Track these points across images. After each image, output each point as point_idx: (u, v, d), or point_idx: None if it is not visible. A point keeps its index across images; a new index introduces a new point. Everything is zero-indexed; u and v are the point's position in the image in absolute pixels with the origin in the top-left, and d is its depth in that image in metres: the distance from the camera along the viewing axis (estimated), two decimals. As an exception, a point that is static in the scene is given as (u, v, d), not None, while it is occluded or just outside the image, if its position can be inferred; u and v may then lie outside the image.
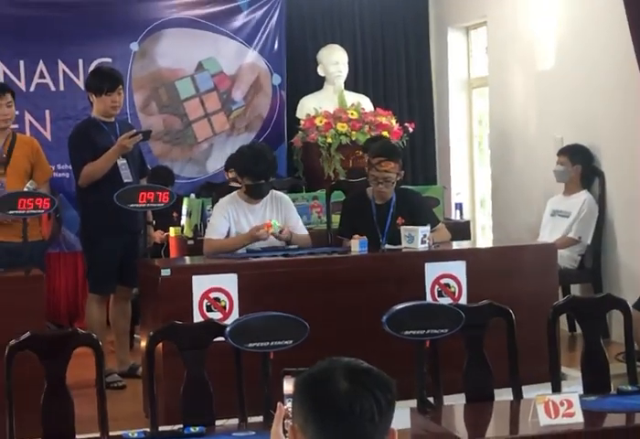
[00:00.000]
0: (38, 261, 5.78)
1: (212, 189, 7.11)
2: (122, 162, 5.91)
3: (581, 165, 6.73)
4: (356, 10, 8.67)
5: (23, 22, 7.63)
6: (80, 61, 7.83)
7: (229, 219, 5.49)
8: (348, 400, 1.86)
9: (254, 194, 5.48)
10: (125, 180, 5.89)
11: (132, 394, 5.58)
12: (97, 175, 5.84)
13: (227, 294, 4.95)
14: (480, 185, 8.71)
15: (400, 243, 5.44)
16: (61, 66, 7.80)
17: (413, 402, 3.98)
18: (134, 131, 5.95)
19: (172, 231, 6.28)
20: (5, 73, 7.63)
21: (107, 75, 6.06)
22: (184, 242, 6.28)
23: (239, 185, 5.88)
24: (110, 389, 5.58)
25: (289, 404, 2.10)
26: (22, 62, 7.70)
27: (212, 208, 6.18)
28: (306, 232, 5.66)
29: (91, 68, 7.68)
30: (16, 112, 6.49)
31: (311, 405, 1.89)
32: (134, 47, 7.97)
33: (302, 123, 7.94)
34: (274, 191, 5.65)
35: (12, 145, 5.95)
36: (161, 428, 3.89)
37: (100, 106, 5.98)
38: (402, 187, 5.90)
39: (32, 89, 7.73)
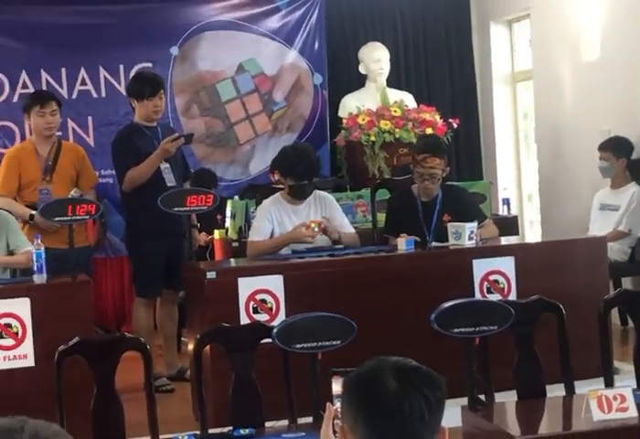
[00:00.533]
0: (85, 266, 5.81)
1: (255, 191, 7.09)
2: (165, 166, 5.92)
3: (626, 158, 6.63)
4: (396, 6, 8.62)
5: (64, 30, 7.70)
6: (121, 67, 7.86)
7: (272, 220, 5.46)
8: (397, 399, 1.83)
9: (297, 194, 5.45)
10: (169, 184, 5.89)
11: (180, 397, 5.58)
12: (140, 179, 5.85)
13: (273, 295, 4.93)
14: (527, 179, 8.62)
15: (446, 240, 5.39)
16: (102, 72, 7.84)
17: (464, 400, 3.95)
18: (176, 134, 5.96)
19: (216, 234, 6.27)
20: (47, 81, 7.69)
21: (148, 80, 6.08)
22: (228, 245, 6.26)
23: (283, 186, 5.86)
24: (159, 392, 5.59)
25: (338, 405, 2.08)
26: (64, 70, 7.76)
27: (256, 209, 6.17)
28: (353, 231, 5.62)
29: (132, 73, 7.71)
30: (60, 120, 6.53)
31: (360, 405, 1.87)
32: (175, 51, 7.99)
33: (344, 121, 7.90)
34: (318, 191, 5.61)
35: (57, 153, 6.02)
36: (211, 430, 3.89)
37: (142, 111, 5.99)
38: (448, 183, 5.84)
39: (74, 96, 7.78)
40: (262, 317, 4.82)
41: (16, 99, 7.61)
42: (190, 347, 5.24)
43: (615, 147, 6.64)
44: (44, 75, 7.71)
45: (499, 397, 4.07)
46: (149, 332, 5.97)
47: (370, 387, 1.87)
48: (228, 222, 6.68)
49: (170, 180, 5.93)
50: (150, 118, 6.01)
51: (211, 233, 6.54)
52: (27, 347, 4.66)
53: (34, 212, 5.77)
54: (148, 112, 5.97)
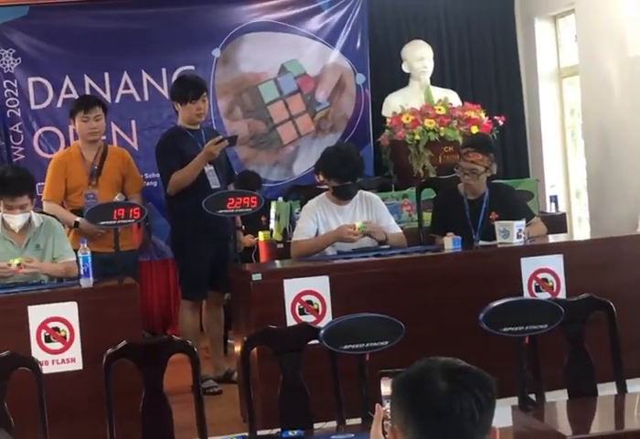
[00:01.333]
0: (132, 270, 5.83)
1: (299, 192, 7.07)
2: (209, 168, 5.92)
3: None
4: (439, 3, 8.55)
5: (105, 35, 7.74)
6: (164, 70, 7.90)
7: (318, 221, 5.44)
8: (447, 399, 1.83)
9: (342, 195, 5.42)
10: (213, 186, 5.90)
11: (228, 399, 5.58)
12: (185, 182, 5.85)
13: (319, 296, 4.90)
14: (575, 176, 8.52)
15: (494, 239, 5.33)
16: (145, 76, 7.88)
17: (514, 400, 3.92)
18: (220, 137, 5.95)
19: (261, 236, 6.26)
20: (90, 86, 7.74)
21: (191, 83, 6.08)
22: (273, 246, 6.26)
23: (327, 187, 5.84)
24: (206, 395, 5.59)
25: (387, 406, 2.07)
26: (107, 75, 7.81)
27: (300, 210, 6.15)
28: (400, 231, 5.58)
29: (174, 76, 7.75)
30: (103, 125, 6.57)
31: (410, 406, 1.86)
32: (216, 53, 8.00)
33: (388, 121, 7.86)
34: (363, 191, 5.58)
35: (103, 157, 6.05)
36: (259, 432, 3.88)
37: (185, 114, 6.00)
38: (495, 181, 5.79)
39: (117, 100, 7.82)
40: (309, 319, 4.80)
41: (59, 104, 7.67)
42: (237, 348, 5.25)
43: None
44: (87, 80, 7.76)
45: (550, 396, 4.05)
46: (195, 334, 5.98)
47: (420, 388, 1.87)
48: (272, 224, 6.66)
49: (214, 183, 5.93)
50: (193, 121, 6.02)
51: (256, 235, 6.54)
52: (75, 350, 4.68)
53: (79, 219, 5.79)
54: (191, 115, 5.98)
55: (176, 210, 6.03)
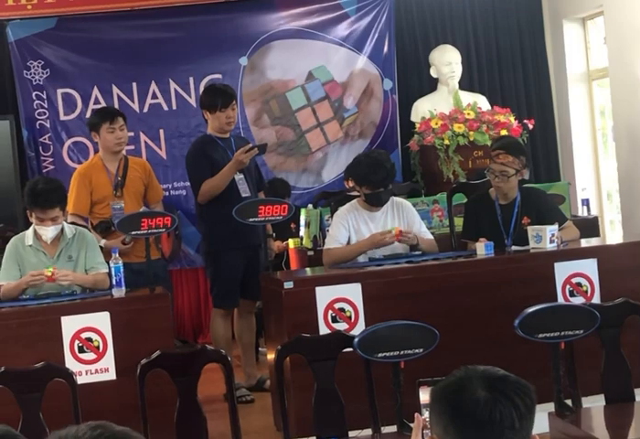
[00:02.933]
0: (164, 279, 5.83)
1: (329, 199, 7.06)
2: (239, 177, 5.92)
3: None
4: (466, 8, 8.52)
5: (133, 45, 7.79)
6: (191, 79, 7.92)
7: (349, 228, 5.41)
8: (487, 408, 1.83)
9: (374, 203, 5.40)
10: (244, 195, 5.89)
11: (261, 408, 5.58)
12: (215, 191, 5.86)
13: (351, 303, 4.88)
14: (606, 179, 8.45)
15: (526, 244, 5.29)
16: (173, 85, 7.90)
17: (550, 406, 3.88)
18: (250, 145, 5.95)
19: (291, 243, 6.25)
20: (119, 96, 7.76)
21: (220, 92, 6.09)
22: (304, 254, 6.24)
23: (358, 193, 5.82)
24: (239, 403, 5.59)
25: (426, 414, 2.05)
26: (135, 84, 7.84)
27: (331, 217, 6.13)
28: (431, 237, 5.55)
29: (202, 85, 7.78)
30: (131, 134, 6.59)
31: (449, 415, 1.87)
32: (243, 61, 8.01)
33: (417, 126, 7.83)
34: (395, 197, 5.56)
35: (125, 168, 6.05)
36: (294, 441, 3.86)
37: (214, 123, 6.01)
38: (527, 186, 5.74)
39: (145, 110, 7.85)
40: (341, 326, 4.78)
41: (88, 114, 7.69)
42: (269, 357, 5.24)
43: None
44: (115, 90, 7.79)
45: (586, 402, 4.01)
46: (227, 343, 5.97)
47: (459, 397, 1.87)
48: (302, 231, 6.64)
49: (245, 191, 5.93)
50: (223, 130, 6.02)
51: (286, 242, 6.52)
52: (109, 360, 4.68)
53: (102, 243, 5.69)
54: (221, 123, 5.99)
55: (206, 219, 6.03)
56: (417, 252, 5.34)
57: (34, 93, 7.72)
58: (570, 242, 5.44)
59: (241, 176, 5.94)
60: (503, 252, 5.31)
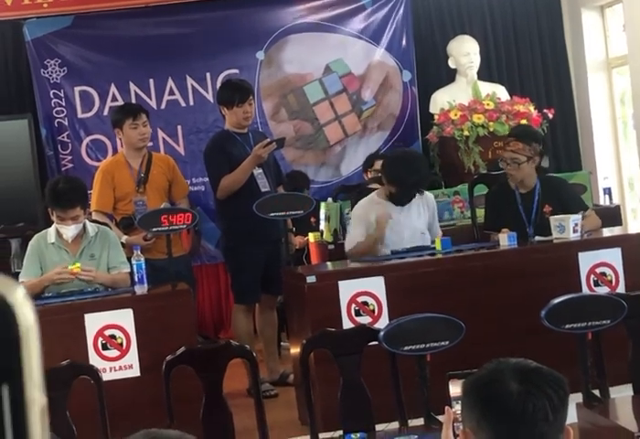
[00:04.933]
0: (186, 275, 5.82)
1: (348, 192, 7.04)
2: (258, 171, 5.91)
3: None
4: (483, -2, 8.48)
5: (149, 42, 7.77)
6: (208, 75, 7.90)
7: (367, 226, 5.38)
8: (520, 400, 1.82)
9: (398, 203, 5.38)
10: (263, 189, 5.88)
11: (284, 402, 5.56)
12: (234, 187, 5.84)
13: (374, 297, 4.86)
14: (627, 167, 8.39)
15: (548, 232, 5.26)
16: (190, 81, 7.88)
17: (578, 397, 3.84)
18: (268, 140, 5.93)
19: (311, 237, 6.23)
20: (136, 93, 7.75)
21: (236, 87, 6.08)
22: (324, 247, 6.22)
23: (377, 186, 5.79)
24: (263, 398, 5.58)
25: (457, 407, 2.03)
26: (152, 81, 7.82)
27: (351, 210, 6.11)
28: (440, 233, 5.52)
29: (219, 80, 7.76)
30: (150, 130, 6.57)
31: (482, 408, 1.86)
32: (260, 55, 7.98)
33: (436, 117, 7.79)
34: None
35: (149, 164, 6.04)
36: (320, 435, 3.84)
37: (232, 118, 6.00)
38: (547, 175, 5.71)
39: (163, 106, 7.83)
40: (365, 320, 4.76)
41: (106, 112, 7.70)
42: (293, 351, 5.22)
43: None
44: (132, 87, 7.78)
45: (614, 392, 3.98)
46: (249, 338, 5.96)
47: (492, 390, 1.86)
48: (322, 225, 6.62)
49: (264, 186, 5.91)
50: (241, 125, 6.01)
51: (306, 236, 6.51)
52: (133, 357, 4.67)
53: (124, 239, 5.67)
54: (238, 118, 5.97)
55: (226, 214, 6.02)
56: (432, 245, 5.31)
57: (51, 92, 7.72)
58: (593, 232, 5.40)
59: (260, 170, 5.92)
60: (526, 243, 5.28)
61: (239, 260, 5.98)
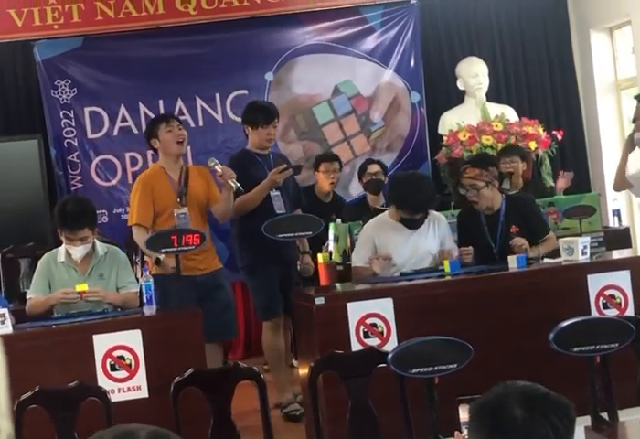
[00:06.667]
0: (227, 287, 5.86)
1: (356, 212, 7.04)
2: (275, 194, 5.90)
3: None
4: (492, 19, 8.49)
5: (159, 63, 7.82)
6: (217, 95, 7.94)
7: (372, 247, 5.42)
8: (524, 428, 1.81)
9: (408, 225, 5.40)
10: (278, 211, 5.87)
11: (293, 423, 5.55)
12: (248, 207, 5.84)
13: (383, 319, 4.85)
14: (636, 189, 8.36)
15: (513, 253, 5.29)
16: (199, 102, 7.92)
17: (586, 419, 3.82)
18: (285, 166, 5.92)
19: (320, 258, 6.21)
20: (145, 114, 7.78)
21: (263, 109, 6.11)
22: (333, 268, 6.20)
23: (385, 208, 5.80)
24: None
25: (465, 432, 2.03)
26: (161, 102, 7.86)
27: (359, 231, 6.12)
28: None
29: (228, 101, 7.82)
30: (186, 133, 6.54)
31: (487, 433, 1.85)
32: (269, 76, 8.02)
33: (445, 138, 7.80)
34: (432, 211, 5.56)
35: (187, 175, 5.83)
36: (328, 459, 3.83)
37: (255, 138, 6.01)
38: (514, 193, 5.77)
39: (173, 126, 7.83)
40: (373, 342, 4.75)
41: (115, 132, 7.74)
42: (301, 372, 5.21)
43: None
44: (142, 108, 7.82)
45: (623, 415, 3.95)
46: (278, 356, 5.97)
47: (497, 415, 1.84)
48: (331, 246, 6.60)
49: (279, 208, 5.89)
50: (263, 146, 6.03)
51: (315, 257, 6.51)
52: (141, 378, 4.67)
53: (162, 257, 5.54)
54: (261, 140, 5.99)
55: (241, 234, 6.01)
56: (441, 267, 5.32)
57: (61, 112, 7.77)
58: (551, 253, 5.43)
59: (277, 193, 5.91)
60: (492, 260, 5.35)
61: (256, 278, 5.99)
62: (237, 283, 7.65)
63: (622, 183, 6.11)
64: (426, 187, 5.37)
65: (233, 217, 5.97)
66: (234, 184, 5.62)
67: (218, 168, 5.67)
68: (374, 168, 7.20)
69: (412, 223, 5.38)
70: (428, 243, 5.44)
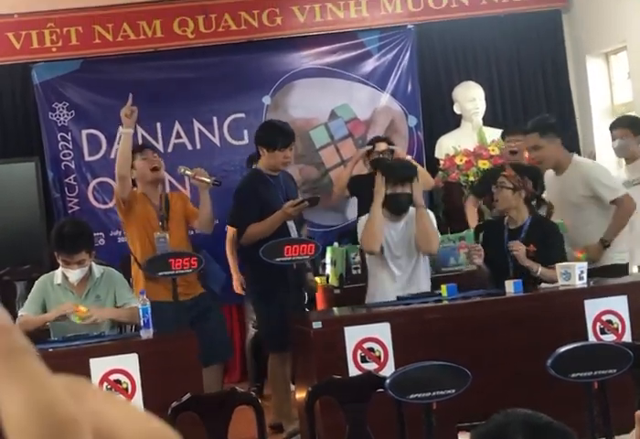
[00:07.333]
0: (216, 308, 5.87)
1: (353, 236, 7.03)
2: (290, 224, 5.85)
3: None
4: (489, 44, 8.52)
5: (156, 85, 7.82)
6: (215, 119, 7.95)
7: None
8: None
9: (393, 206, 5.43)
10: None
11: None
12: (260, 236, 5.70)
13: (380, 343, 4.84)
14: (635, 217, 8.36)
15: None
16: (196, 125, 7.93)
17: (584, 446, 3.81)
18: (300, 199, 5.86)
19: (317, 281, 6.22)
20: (143, 136, 7.79)
21: (281, 131, 5.98)
22: (330, 292, 6.21)
23: None
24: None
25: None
26: (159, 124, 7.87)
27: (358, 256, 6.14)
28: None
29: (226, 124, 7.84)
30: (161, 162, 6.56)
31: None
32: (267, 100, 8.03)
33: (441, 162, 7.82)
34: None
35: (167, 201, 5.89)
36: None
37: (270, 160, 5.90)
38: (542, 215, 5.75)
39: (170, 149, 7.87)
40: (371, 366, 4.74)
41: (113, 155, 7.72)
42: (298, 396, 5.20)
43: (632, 124, 6.43)
44: (140, 130, 7.80)
45: (620, 441, 3.95)
46: (286, 387, 5.86)
47: None
48: (328, 269, 6.62)
49: (294, 235, 5.85)
50: (277, 168, 5.93)
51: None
52: (137, 402, 4.64)
53: None
54: (277, 162, 5.89)
55: (255, 260, 5.70)
56: (438, 291, 5.32)
57: (59, 134, 7.77)
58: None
59: (291, 224, 5.86)
60: (507, 276, 5.30)
61: (268, 305, 5.84)
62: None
63: None
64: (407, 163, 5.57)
65: (241, 243, 5.90)
66: (208, 179, 5.66)
67: (188, 172, 5.77)
68: (382, 146, 7.05)
69: (396, 203, 5.50)
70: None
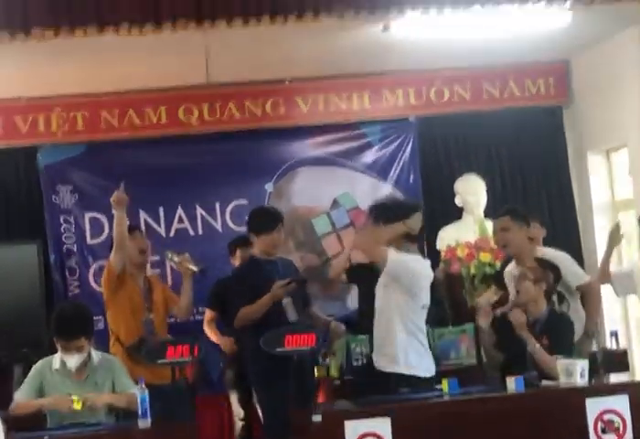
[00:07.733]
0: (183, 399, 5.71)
1: (354, 326, 7.00)
2: (286, 301, 5.86)
3: None
4: (490, 138, 8.62)
5: (160, 170, 7.91)
6: (217, 204, 8.02)
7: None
8: None
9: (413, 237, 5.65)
10: (291, 319, 5.83)
11: None
12: (250, 318, 5.78)
13: (380, 438, 4.79)
14: (634, 309, 8.36)
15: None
16: (199, 210, 8.00)
17: None
18: (288, 280, 5.90)
19: (317, 371, 6.15)
20: (145, 221, 7.83)
21: (266, 214, 6.11)
22: (330, 384, 6.15)
23: None
24: None
25: None
26: (161, 209, 7.94)
27: (357, 346, 6.08)
28: None
29: (228, 210, 7.91)
30: (157, 258, 6.62)
31: None
32: (269, 187, 8.11)
33: (442, 254, 7.83)
34: None
35: (149, 284, 6.06)
36: None
37: (260, 245, 5.99)
38: (560, 311, 5.73)
39: (172, 234, 7.93)
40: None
41: (114, 238, 7.75)
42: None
43: None
44: (142, 214, 7.87)
45: None
46: None
47: None
48: (328, 360, 6.56)
49: (293, 315, 5.85)
50: (268, 252, 6.00)
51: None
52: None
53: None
54: (267, 246, 5.97)
55: (252, 346, 5.70)
56: (439, 386, 5.28)
57: (61, 217, 7.84)
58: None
59: (288, 299, 5.85)
60: (533, 388, 5.25)
61: (269, 393, 5.82)
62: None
63: (604, 276, 6.20)
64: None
65: (235, 327, 5.93)
66: (195, 267, 5.76)
67: (175, 257, 5.91)
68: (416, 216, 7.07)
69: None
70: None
